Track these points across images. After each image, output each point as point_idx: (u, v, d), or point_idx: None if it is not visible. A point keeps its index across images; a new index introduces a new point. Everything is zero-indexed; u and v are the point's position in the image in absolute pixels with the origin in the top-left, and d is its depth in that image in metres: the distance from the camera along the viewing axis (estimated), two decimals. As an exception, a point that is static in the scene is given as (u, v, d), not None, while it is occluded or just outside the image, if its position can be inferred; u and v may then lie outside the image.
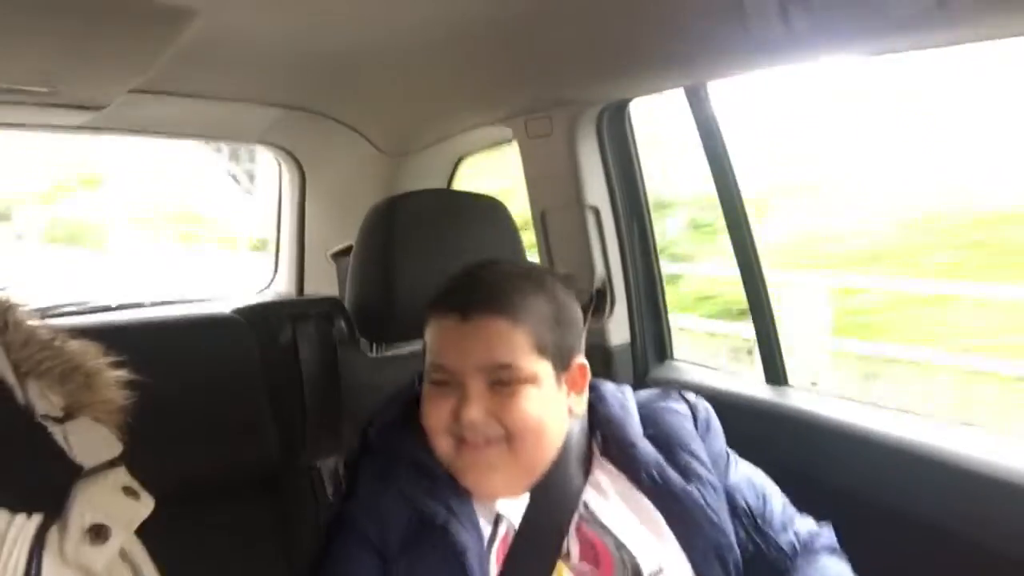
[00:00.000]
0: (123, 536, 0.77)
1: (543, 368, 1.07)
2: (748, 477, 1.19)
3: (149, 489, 0.86)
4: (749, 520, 1.15)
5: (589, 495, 1.10)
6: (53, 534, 0.73)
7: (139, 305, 2.03)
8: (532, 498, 1.07)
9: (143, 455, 0.88)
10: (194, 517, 1.18)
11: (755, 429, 1.33)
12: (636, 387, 1.66)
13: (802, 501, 1.21)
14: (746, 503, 1.16)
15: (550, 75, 1.56)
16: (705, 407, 1.22)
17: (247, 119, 1.99)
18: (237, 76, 1.69)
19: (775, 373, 1.54)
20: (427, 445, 1.09)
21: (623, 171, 1.72)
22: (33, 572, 0.70)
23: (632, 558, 1.05)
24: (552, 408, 1.08)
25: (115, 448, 0.84)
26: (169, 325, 1.40)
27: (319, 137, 2.04)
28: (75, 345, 0.90)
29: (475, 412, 1.04)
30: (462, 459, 1.05)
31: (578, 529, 1.06)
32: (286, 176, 2.21)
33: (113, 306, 1.94)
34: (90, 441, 0.82)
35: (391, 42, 1.54)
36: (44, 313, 1.76)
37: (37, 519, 0.73)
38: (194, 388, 1.22)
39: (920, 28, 1.02)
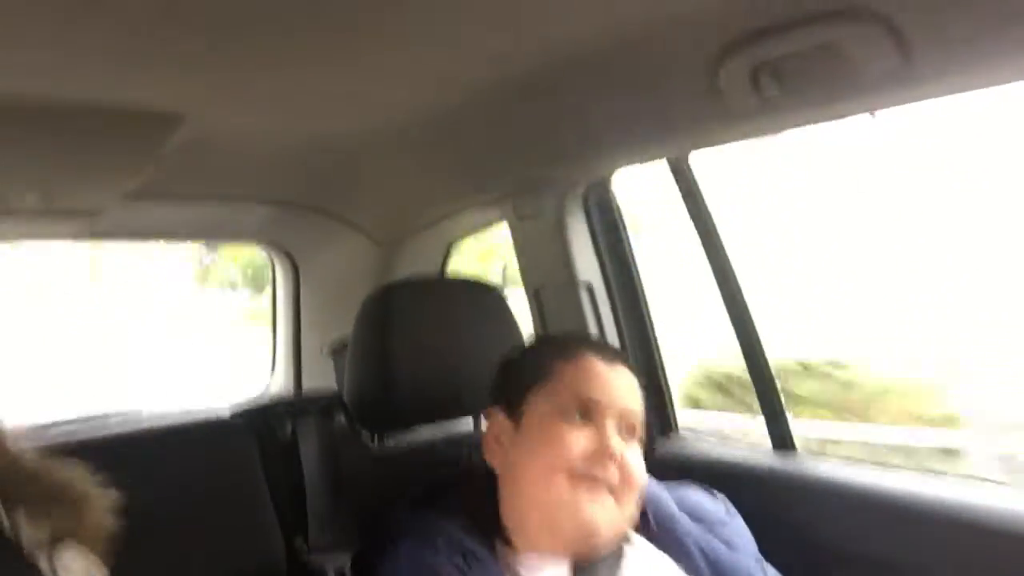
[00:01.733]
0: None
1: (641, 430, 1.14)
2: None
3: None
4: None
5: (630, 571, 1.09)
6: None
7: (137, 415, 2.02)
8: (577, 572, 1.06)
9: (145, 563, 0.86)
10: None
11: (765, 497, 1.31)
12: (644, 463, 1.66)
13: (816, 567, 1.19)
14: None
15: (534, 156, 1.59)
16: (730, 505, 1.24)
17: (240, 218, 2.01)
18: (229, 176, 1.72)
19: (782, 439, 1.52)
20: (461, 522, 1.08)
21: (613, 245, 1.73)
22: None
23: None
24: None
25: (99, 574, 0.83)
26: (167, 434, 1.38)
27: (312, 232, 2.07)
28: (62, 471, 0.89)
29: (617, 451, 1.06)
30: (579, 493, 1.04)
31: None
32: (280, 272, 2.22)
33: (111, 417, 1.93)
34: (76, 571, 0.81)
35: (380, 135, 1.57)
36: (41, 429, 1.76)
37: None
38: (195, 496, 1.20)
39: (887, 87, 1.05)
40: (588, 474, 1.05)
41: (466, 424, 1.50)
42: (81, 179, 1.34)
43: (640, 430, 1.12)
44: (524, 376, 1.15)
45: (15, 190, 1.32)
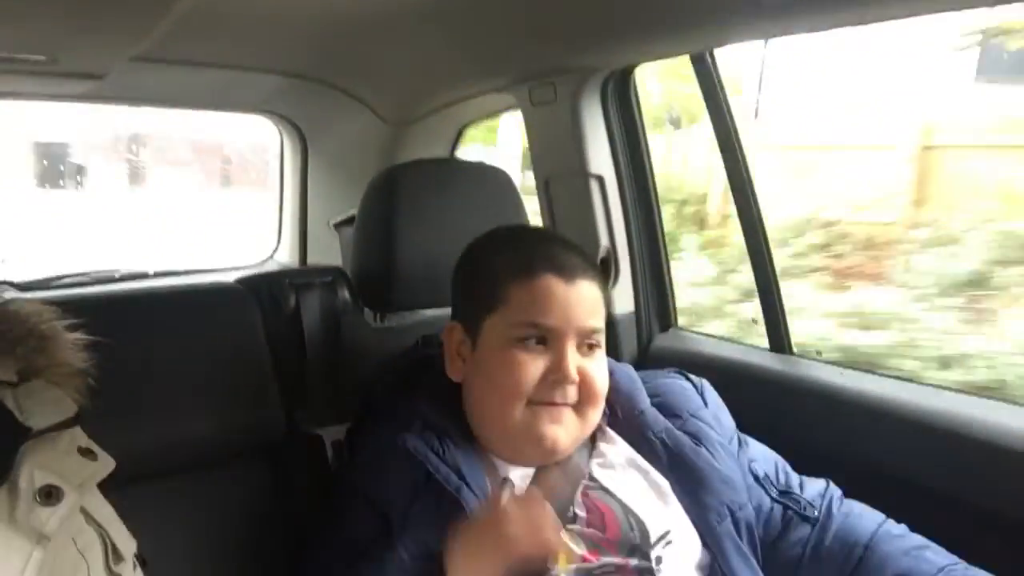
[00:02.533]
0: (77, 496, 0.75)
1: (603, 341, 1.12)
2: (760, 449, 1.22)
3: (152, 457, 0.85)
4: (773, 486, 1.18)
5: (594, 465, 1.11)
6: (2, 498, 0.71)
7: (144, 275, 2.04)
8: (540, 467, 1.09)
9: (145, 423, 0.88)
10: (196, 483, 1.19)
11: (759, 397, 1.34)
12: (640, 356, 1.69)
13: (804, 468, 1.23)
14: (765, 472, 1.18)
15: (553, 41, 1.54)
16: (709, 387, 1.24)
17: (248, 88, 1.97)
18: (237, 44, 1.67)
19: (779, 341, 1.53)
20: (436, 407, 1.10)
21: (628, 139, 1.70)
22: None
23: (640, 522, 1.06)
24: None
25: (68, 409, 0.82)
26: (172, 295, 1.40)
27: (321, 106, 2.03)
28: (27, 308, 0.86)
29: (574, 367, 1.06)
30: (538, 418, 1.06)
31: (584, 496, 1.08)
32: (287, 146, 2.19)
33: (117, 276, 1.95)
34: (41, 404, 0.80)
35: (393, 8, 1.52)
36: (46, 284, 1.78)
37: None
38: (197, 357, 1.22)
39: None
40: (546, 399, 1.06)
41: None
42: (87, 40, 1.30)
43: (601, 339, 1.11)
44: (479, 298, 1.12)
45: (20, 49, 1.29)
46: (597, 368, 1.10)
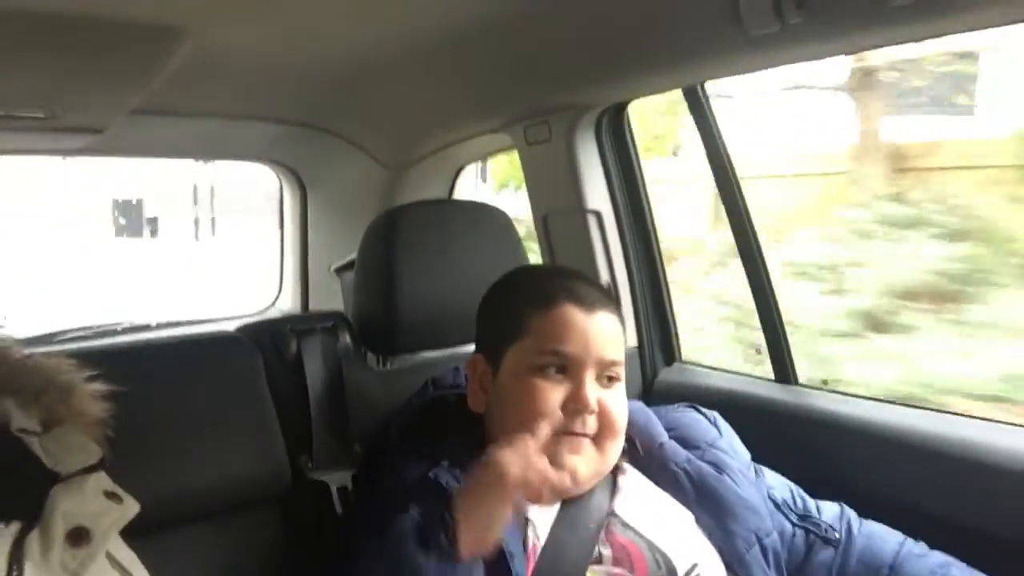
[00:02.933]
0: (106, 539, 0.77)
1: (623, 374, 1.13)
2: (774, 477, 1.22)
3: (156, 510, 0.85)
4: (792, 511, 1.18)
5: (617, 502, 1.11)
6: (33, 541, 0.73)
7: (146, 327, 2.04)
8: (563, 508, 1.07)
9: (150, 475, 0.88)
10: (202, 536, 1.18)
11: (766, 428, 1.32)
12: (645, 391, 1.68)
13: (814, 497, 1.22)
14: (783, 498, 1.19)
15: (546, 80, 1.56)
16: (721, 418, 1.25)
17: (248, 137, 1.99)
18: (234, 93, 1.69)
19: (784, 371, 1.53)
20: (460, 443, 1.09)
21: (624, 174, 1.71)
22: None
23: (666, 558, 1.05)
24: None
25: (93, 454, 0.84)
26: (173, 346, 1.39)
27: (319, 152, 2.05)
28: (48, 362, 0.90)
29: (593, 397, 1.06)
30: (557, 447, 1.04)
31: (609, 534, 1.07)
32: (287, 192, 2.21)
33: (119, 329, 1.95)
34: (67, 449, 0.82)
35: (387, 54, 1.54)
36: (47, 339, 1.78)
37: (15, 527, 0.73)
38: (200, 407, 1.22)
39: (918, 18, 1.01)
40: (565, 429, 1.06)
41: (470, 347, 1.51)
42: (85, 95, 1.32)
43: (620, 372, 1.11)
44: (500, 328, 1.14)
45: (19, 106, 1.31)
46: (616, 400, 1.10)
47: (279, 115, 1.89)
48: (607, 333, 1.10)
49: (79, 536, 0.75)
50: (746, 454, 1.23)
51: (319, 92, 1.75)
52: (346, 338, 1.40)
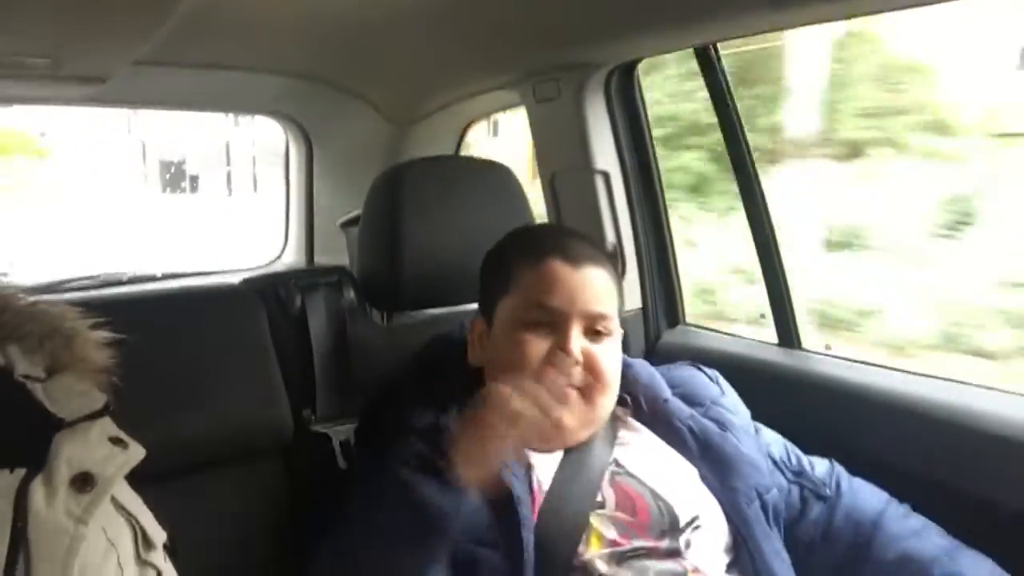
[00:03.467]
0: (110, 484, 0.77)
1: (617, 327, 1.13)
2: (770, 434, 1.24)
3: (160, 458, 0.86)
4: (788, 468, 1.20)
5: (619, 452, 1.12)
6: (37, 486, 0.73)
7: (151, 278, 2.05)
8: (565, 455, 1.09)
9: (153, 424, 0.88)
10: (205, 485, 1.20)
11: (768, 392, 1.32)
12: (648, 352, 1.68)
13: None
14: (780, 455, 1.21)
15: (556, 38, 1.53)
16: (721, 378, 1.27)
17: (252, 89, 1.98)
18: (241, 45, 1.67)
19: (788, 335, 1.53)
20: (466, 394, 1.09)
21: (633, 134, 1.70)
22: (20, 525, 0.70)
23: (669, 507, 1.07)
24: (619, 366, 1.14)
25: (97, 400, 0.84)
26: (178, 297, 1.40)
27: (325, 106, 2.03)
28: (53, 309, 0.90)
29: (578, 349, 1.07)
30: (542, 394, 1.04)
31: (613, 482, 1.08)
32: (293, 146, 2.20)
33: (124, 279, 1.96)
34: (71, 395, 0.82)
35: (396, 7, 1.52)
36: (52, 287, 1.78)
37: (20, 473, 0.73)
38: (203, 358, 1.22)
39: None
40: (549, 380, 1.05)
41: (474, 305, 1.51)
42: (90, 44, 1.30)
43: (612, 325, 1.12)
44: (493, 284, 1.17)
45: (24, 54, 1.29)
46: (605, 353, 1.10)
47: (285, 68, 1.87)
48: (594, 287, 1.11)
49: (84, 482, 0.75)
50: (747, 412, 1.24)
51: (325, 45, 1.73)
52: (350, 293, 1.40)
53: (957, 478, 1.19)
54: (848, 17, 1.19)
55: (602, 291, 1.12)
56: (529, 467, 1.07)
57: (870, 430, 1.31)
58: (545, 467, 1.08)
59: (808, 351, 1.51)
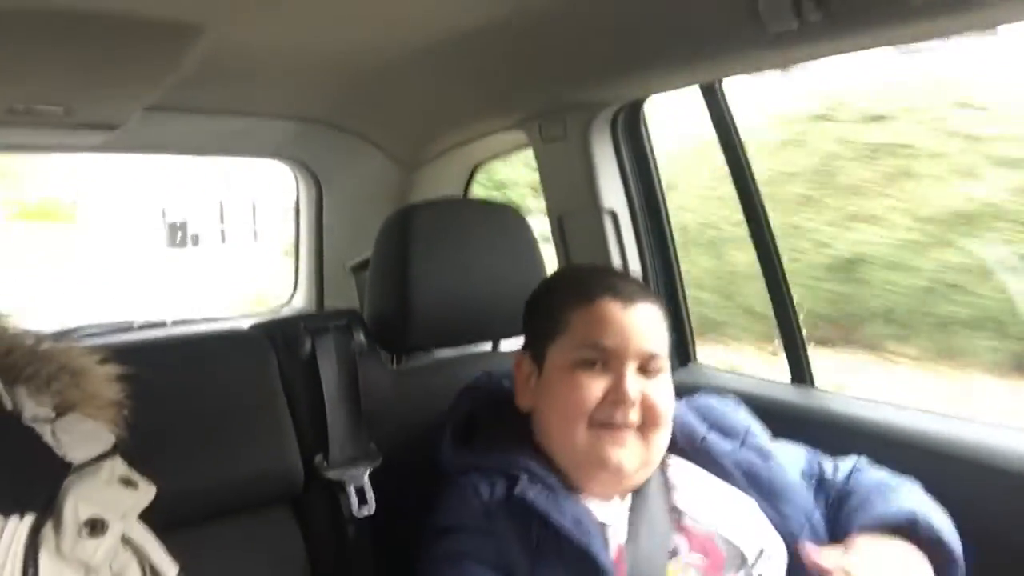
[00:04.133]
0: (122, 527, 0.76)
1: (667, 365, 1.13)
2: (790, 445, 1.25)
3: (168, 506, 0.85)
4: (813, 478, 1.20)
5: (676, 497, 1.12)
6: (48, 532, 0.72)
7: (161, 324, 2.05)
8: (633, 504, 1.09)
9: (162, 472, 0.87)
10: (217, 534, 1.18)
11: (781, 431, 1.30)
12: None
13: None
14: (804, 469, 1.21)
15: (562, 78, 1.55)
16: (740, 402, 1.27)
17: (262, 134, 2.00)
18: (250, 90, 1.69)
19: (800, 372, 1.51)
20: (532, 455, 1.10)
21: (640, 172, 1.70)
22: (31, 569, 0.69)
23: (736, 545, 1.07)
24: None
25: (106, 441, 0.83)
26: (188, 342, 1.40)
27: (334, 150, 2.05)
28: (60, 347, 0.89)
29: (633, 393, 1.07)
30: (600, 440, 1.06)
31: (681, 528, 1.08)
32: (302, 190, 2.21)
33: (135, 327, 1.96)
34: (80, 436, 0.81)
35: (402, 51, 1.53)
36: (63, 335, 1.79)
37: (30, 519, 0.72)
38: (212, 405, 1.22)
39: (937, 14, 1.00)
40: (607, 421, 1.07)
41: (484, 346, 1.50)
42: (102, 91, 1.33)
43: (664, 363, 1.12)
44: (543, 327, 1.16)
45: (37, 102, 1.32)
46: (659, 391, 1.10)
47: (293, 112, 1.89)
48: (647, 325, 1.11)
49: (94, 527, 0.74)
50: (767, 435, 1.24)
51: (333, 89, 1.75)
52: (360, 336, 1.39)
53: (975, 517, 1.16)
54: (857, 49, 1.19)
55: (654, 329, 1.12)
56: (602, 527, 1.06)
57: (886, 468, 1.29)
58: (616, 524, 1.07)
59: (821, 390, 1.49)
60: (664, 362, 1.12)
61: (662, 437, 1.10)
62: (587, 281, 1.16)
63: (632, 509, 1.08)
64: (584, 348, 1.09)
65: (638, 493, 1.10)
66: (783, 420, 1.39)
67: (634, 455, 1.08)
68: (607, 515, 1.07)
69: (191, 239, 7.54)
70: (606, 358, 1.08)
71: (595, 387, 1.07)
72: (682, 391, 1.58)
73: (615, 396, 1.07)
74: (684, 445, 1.18)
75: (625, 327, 1.09)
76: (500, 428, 1.17)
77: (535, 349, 1.17)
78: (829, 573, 0.98)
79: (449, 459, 1.16)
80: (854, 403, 1.42)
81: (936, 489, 1.20)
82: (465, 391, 1.27)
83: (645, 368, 1.10)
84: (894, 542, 1.06)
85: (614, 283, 1.14)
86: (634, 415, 1.07)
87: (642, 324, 1.11)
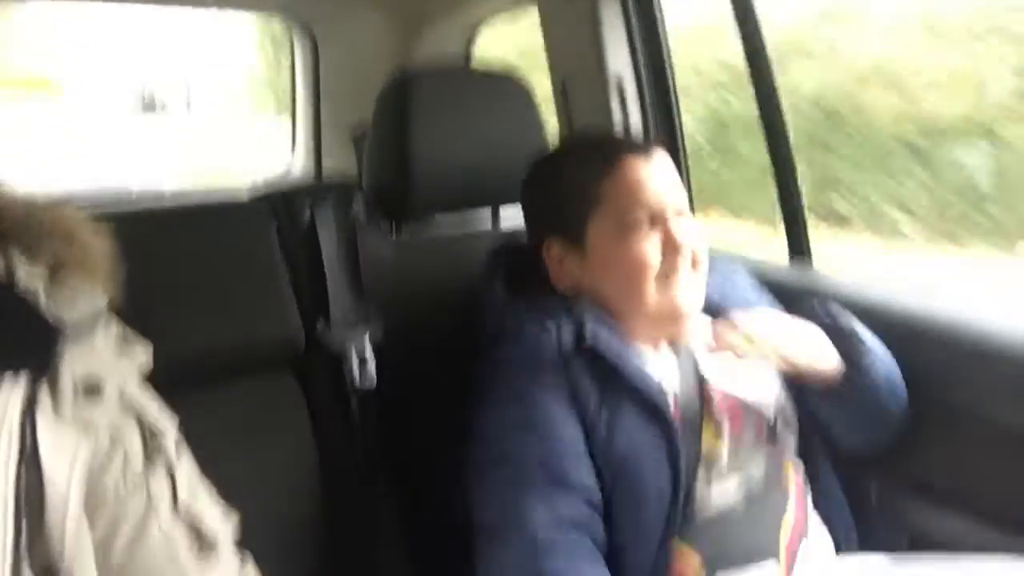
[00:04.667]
0: (118, 387, 0.76)
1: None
2: None
3: (168, 367, 0.85)
4: None
5: (702, 364, 1.16)
6: (44, 393, 0.71)
7: (159, 196, 2.04)
8: (679, 355, 1.15)
9: (162, 337, 0.89)
10: (216, 396, 1.20)
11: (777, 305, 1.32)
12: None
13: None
14: None
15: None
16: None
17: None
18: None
19: (798, 245, 1.52)
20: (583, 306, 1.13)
21: (648, 40, 1.64)
22: (28, 433, 0.69)
23: (760, 407, 1.14)
24: None
25: (101, 300, 0.82)
26: (186, 212, 1.39)
27: (331, 6, 1.96)
28: (54, 210, 0.87)
29: (685, 238, 1.11)
30: (670, 291, 1.11)
31: (709, 388, 1.14)
32: (299, 49, 2.14)
33: (132, 195, 1.95)
34: (74, 296, 0.80)
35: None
36: (59, 199, 1.77)
37: (24, 381, 0.71)
38: (213, 273, 1.22)
39: None
40: (671, 272, 1.11)
41: (483, 218, 1.50)
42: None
43: (686, 205, 1.17)
44: (573, 207, 1.15)
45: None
46: (694, 231, 1.15)
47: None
48: (670, 174, 1.16)
49: (91, 387, 0.74)
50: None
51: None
52: (360, 206, 1.39)
53: (972, 397, 1.19)
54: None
55: (674, 176, 1.17)
56: (660, 380, 1.10)
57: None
58: (668, 376, 1.12)
59: (818, 268, 1.50)
60: (686, 205, 1.17)
61: (706, 268, 1.15)
62: (601, 149, 1.17)
63: (679, 361, 1.14)
64: (629, 213, 1.11)
65: (678, 345, 1.16)
66: (778, 297, 1.41)
67: (698, 295, 1.14)
68: (661, 366, 1.13)
69: (159, 106, 8.88)
70: (651, 215, 1.11)
71: (651, 244, 1.11)
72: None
73: (671, 247, 1.11)
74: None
75: (658, 184, 1.13)
76: (544, 287, 1.19)
77: (567, 231, 1.16)
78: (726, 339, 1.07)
79: (500, 309, 1.18)
80: (848, 283, 1.43)
81: (925, 370, 1.22)
82: (496, 254, 1.27)
83: (679, 211, 1.14)
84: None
85: (625, 143, 1.18)
86: (688, 259, 1.12)
87: (667, 175, 1.15)
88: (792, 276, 1.49)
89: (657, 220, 1.11)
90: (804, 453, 1.19)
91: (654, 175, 1.13)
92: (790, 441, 1.17)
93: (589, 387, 1.07)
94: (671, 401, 1.09)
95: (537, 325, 1.11)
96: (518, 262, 1.24)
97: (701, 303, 1.15)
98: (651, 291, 1.10)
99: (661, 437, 1.06)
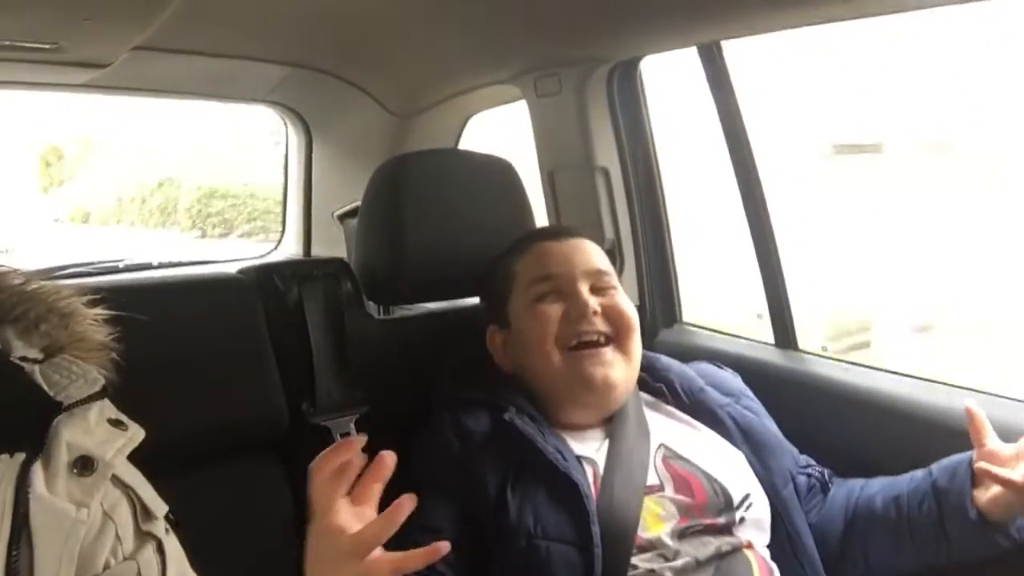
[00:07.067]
0: (111, 467, 0.76)
1: (619, 283, 1.21)
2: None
3: (155, 448, 0.85)
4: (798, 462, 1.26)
5: (665, 437, 1.16)
6: (38, 470, 0.72)
7: (147, 267, 2.03)
8: (612, 439, 1.13)
9: (147, 415, 0.87)
10: (201, 477, 1.18)
11: (765, 393, 1.32)
12: (645, 350, 1.67)
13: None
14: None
15: (559, 32, 1.53)
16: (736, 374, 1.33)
17: (252, 78, 1.97)
18: (241, 33, 1.66)
19: (785, 336, 1.52)
20: (519, 393, 1.15)
21: (634, 131, 1.69)
22: (22, 511, 0.69)
23: (723, 487, 1.11)
24: None
25: (96, 383, 0.83)
26: (174, 285, 1.38)
27: (325, 96, 2.02)
28: (49, 287, 0.89)
29: (591, 303, 1.13)
30: (580, 362, 1.13)
31: (666, 465, 1.12)
32: (292, 137, 2.19)
33: (120, 267, 1.94)
34: (69, 377, 0.81)
35: (397, -1, 1.51)
36: (49, 274, 1.77)
37: (19, 457, 0.72)
38: (199, 348, 1.21)
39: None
40: (579, 339, 1.13)
41: (471, 302, 1.50)
42: (90, 28, 1.30)
43: (614, 280, 1.19)
44: (497, 290, 1.24)
45: (26, 39, 1.29)
46: (619, 301, 1.17)
47: (285, 57, 1.86)
48: (586, 249, 1.21)
49: (84, 465, 0.74)
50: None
51: (326, 34, 1.72)
52: (347, 285, 1.39)
53: None
54: (855, 17, 1.18)
55: (595, 252, 1.21)
56: (581, 459, 1.10)
57: (865, 432, 1.31)
58: (595, 457, 1.11)
59: (805, 352, 1.51)
60: (614, 279, 1.19)
61: (636, 343, 1.17)
62: (526, 235, 1.26)
63: (611, 446, 1.12)
64: (535, 285, 1.17)
65: (616, 430, 1.14)
66: (766, 381, 1.41)
67: (616, 369, 1.14)
68: (586, 449, 1.12)
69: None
70: (557, 285, 1.16)
71: (554, 311, 1.14)
72: (669, 351, 1.60)
73: (576, 312, 1.13)
74: (683, 394, 1.23)
75: (565, 255, 1.18)
76: (493, 371, 1.23)
77: (498, 315, 1.23)
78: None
79: (445, 391, 1.22)
80: (837, 367, 1.43)
81: (916, 454, 1.22)
82: (461, 344, 1.31)
83: (596, 287, 1.17)
84: None
85: (548, 229, 1.27)
86: (602, 325, 1.14)
87: (581, 249, 1.20)
88: (778, 358, 1.50)
89: (565, 290, 1.15)
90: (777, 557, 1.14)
91: (566, 249, 1.19)
92: (754, 534, 1.12)
93: (495, 463, 1.07)
94: (590, 481, 1.07)
95: (455, 412, 1.14)
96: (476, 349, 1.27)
97: (628, 373, 1.15)
98: (556, 359, 1.13)
99: (573, 518, 1.03)
